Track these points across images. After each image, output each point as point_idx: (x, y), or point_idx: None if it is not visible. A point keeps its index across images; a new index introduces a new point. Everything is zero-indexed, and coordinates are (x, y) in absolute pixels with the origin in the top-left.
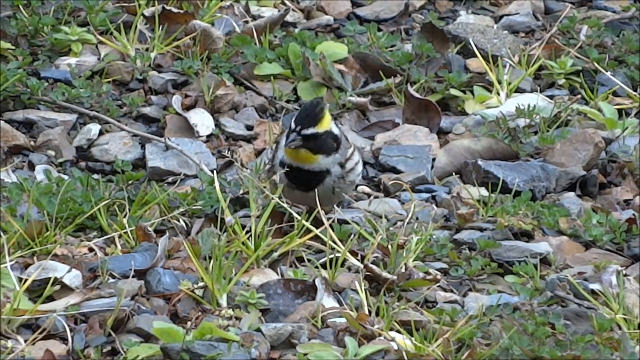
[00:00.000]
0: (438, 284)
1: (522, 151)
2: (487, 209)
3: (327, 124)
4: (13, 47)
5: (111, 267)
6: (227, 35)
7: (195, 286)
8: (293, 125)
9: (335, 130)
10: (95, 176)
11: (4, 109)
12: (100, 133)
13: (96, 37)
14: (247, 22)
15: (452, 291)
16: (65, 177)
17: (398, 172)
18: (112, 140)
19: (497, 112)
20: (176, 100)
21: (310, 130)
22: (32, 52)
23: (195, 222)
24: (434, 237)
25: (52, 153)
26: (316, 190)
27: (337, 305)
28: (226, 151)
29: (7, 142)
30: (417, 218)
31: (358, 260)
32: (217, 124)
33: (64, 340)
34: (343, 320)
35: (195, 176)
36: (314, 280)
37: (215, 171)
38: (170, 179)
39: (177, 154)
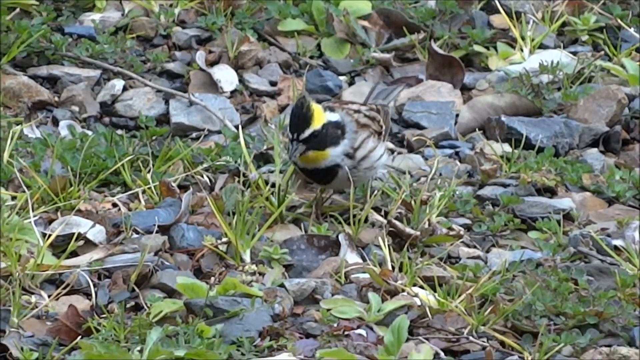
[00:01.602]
0: (461, 240)
1: (545, 107)
2: (510, 165)
3: (320, 117)
4: (37, 3)
5: (135, 222)
6: None
7: (219, 242)
8: (290, 135)
9: (335, 118)
10: (119, 132)
11: (28, 65)
12: (124, 89)
13: None
14: None
15: (475, 247)
16: (89, 132)
17: (421, 128)
18: (136, 96)
19: (520, 69)
20: (200, 56)
21: (307, 132)
22: (56, 8)
23: (219, 178)
24: (457, 193)
25: (76, 109)
26: (333, 182)
27: (360, 261)
28: (250, 107)
29: (31, 98)
30: (440, 174)
31: (381, 216)
32: (241, 80)
33: (87, 295)
34: (366, 275)
35: (219, 132)
36: (337, 236)
37: (239, 127)
38: (193, 135)
39: (200, 110)
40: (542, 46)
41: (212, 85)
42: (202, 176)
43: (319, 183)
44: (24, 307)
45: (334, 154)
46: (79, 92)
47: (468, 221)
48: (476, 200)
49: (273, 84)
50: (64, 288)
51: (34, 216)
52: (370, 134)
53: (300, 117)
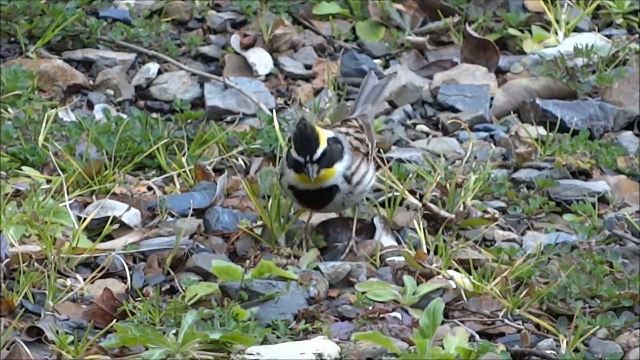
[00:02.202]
0: (496, 223)
1: (580, 90)
2: (545, 148)
3: (324, 135)
4: None
5: (170, 205)
6: None
7: (254, 225)
8: (301, 159)
9: (331, 134)
10: (154, 115)
11: (63, 48)
12: (159, 72)
13: None
14: None
15: (510, 230)
16: (124, 116)
17: (456, 111)
18: (170, 79)
19: (555, 52)
20: (235, 40)
21: (319, 152)
22: None
23: (254, 161)
24: (492, 176)
25: (111, 92)
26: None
27: (395, 244)
28: (285, 90)
29: (66, 81)
30: (475, 157)
31: (416, 199)
32: (276, 63)
33: (122, 278)
34: (401, 258)
35: (253, 115)
36: (372, 219)
37: (273, 110)
38: (228, 118)
39: (235, 93)
40: (576, 29)
41: (247, 69)
42: (237, 159)
43: (313, 207)
44: (59, 290)
45: (339, 169)
46: (114, 75)
47: (503, 204)
48: (511, 183)
49: (308, 67)
50: (99, 271)
51: (69, 200)
52: (361, 158)
53: (309, 138)
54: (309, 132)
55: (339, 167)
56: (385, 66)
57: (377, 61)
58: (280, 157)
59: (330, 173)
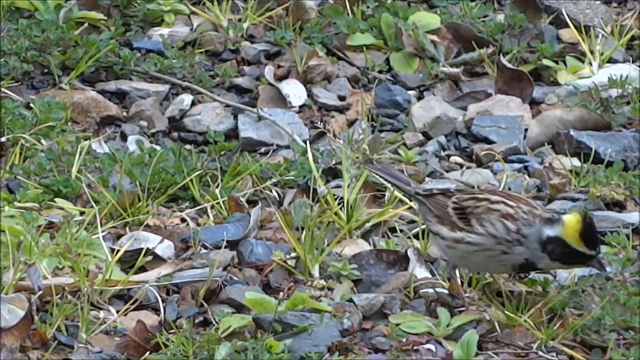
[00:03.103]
0: None
1: (615, 121)
2: (579, 179)
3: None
4: (105, 18)
5: (203, 237)
6: (320, 6)
7: (288, 257)
8: (594, 253)
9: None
10: (188, 147)
11: (96, 80)
12: (193, 103)
13: (189, 8)
14: None
15: None
16: (158, 147)
17: (490, 142)
18: (204, 110)
19: (589, 83)
20: (269, 71)
21: (599, 249)
22: (125, 22)
23: (288, 193)
24: None
25: (145, 124)
26: None
27: (429, 275)
28: (319, 122)
29: (100, 113)
30: (509, 188)
31: None
32: (310, 95)
33: (156, 310)
34: (436, 290)
35: (287, 147)
36: (406, 251)
37: (307, 141)
38: (262, 150)
39: (269, 125)
40: (611, 60)
41: (281, 100)
42: (271, 191)
43: None
44: (93, 322)
45: None
46: (148, 107)
47: None
48: None
49: (342, 98)
50: (132, 303)
51: (102, 231)
52: None
53: (596, 232)
54: (594, 225)
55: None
56: (419, 97)
57: (411, 92)
58: (314, 189)
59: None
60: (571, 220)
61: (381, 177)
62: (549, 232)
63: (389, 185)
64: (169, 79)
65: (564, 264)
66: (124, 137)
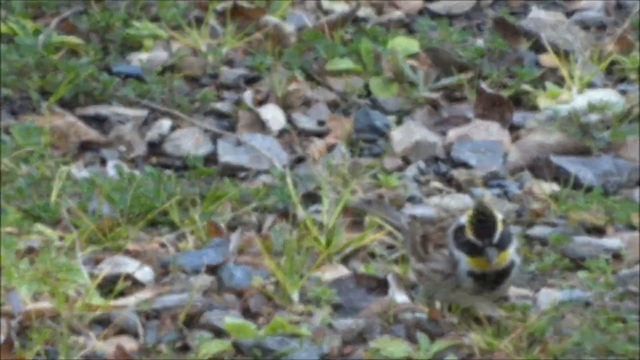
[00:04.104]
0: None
1: (594, 146)
2: (559, 204)
3: (500, 218)
4: (84, 43)
5: (183, 262)
6: (299, 31)
7: (267, 282)
8: (480, 243)
9: (501, 216)
10: (167, 172)
11: (75, 105)
12: (172, 128)
13: (167, 33)
14: (318, 17)
15: (524, 287)
16: (137, 172)
17: (470, 167)
18: (183, 135)
19: (569, 108)
20: (248, 96)
21: (496, 235)
22: (104, 47)
23: (267, 218)
24: None
25: (124, 148)
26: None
27: (409, 300)
28: (298, 146)
29: (79, 138)
30: None
31: None
32: (289, 120)
33: (135, 336)
34: (415, 315)
35: (267, 171)
36: (386, 276)
37: (287, 166)
38: (241, 175)
39: (248, 149)
40: (590, 85)
41: (260, 125)
42: (251, 216)
43: (491, 287)
44: (72, 347)
45: (511, 252)
46: (127, 132)
47: None
48: (525, 239)
49: (321, 123)
50: (112, 328)
51: (82, 256)
52: None
53: (488, 224)
54: (488, 216)
55: (511, 250)
56: (399, 122)
57: (390, 117)
58: (294, 214)
59: (505, 255)
60: (470, 210)
61: (381, 218)
62: (461, 220)
63: (387, 225)
64: (148, 104)
65: (467, 255)
66: (103, 162)
